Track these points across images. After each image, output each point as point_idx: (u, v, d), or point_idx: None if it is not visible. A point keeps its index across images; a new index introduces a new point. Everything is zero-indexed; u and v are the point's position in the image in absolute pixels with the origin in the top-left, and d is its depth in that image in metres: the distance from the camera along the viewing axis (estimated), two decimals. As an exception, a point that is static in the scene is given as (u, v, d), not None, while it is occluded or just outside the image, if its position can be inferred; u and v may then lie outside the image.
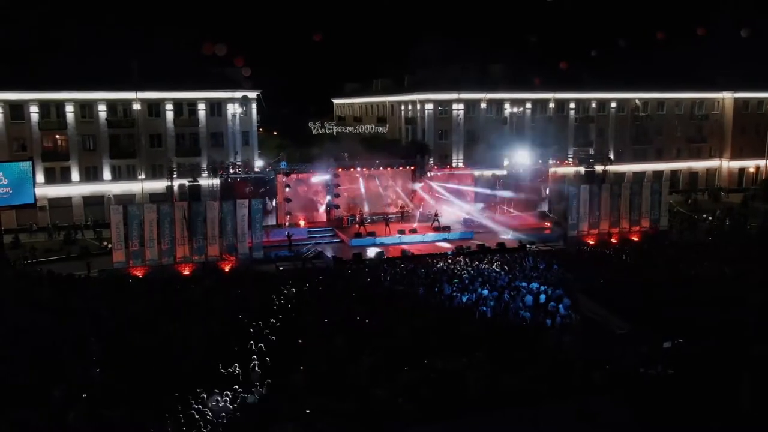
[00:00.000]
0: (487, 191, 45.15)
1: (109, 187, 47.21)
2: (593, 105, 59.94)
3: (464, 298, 25.77)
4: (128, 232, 32.74)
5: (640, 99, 61.31)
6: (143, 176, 47.83)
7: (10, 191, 36.88)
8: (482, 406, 16.09)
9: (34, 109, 45.41)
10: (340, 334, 21.01)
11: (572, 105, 59.17)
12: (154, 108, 48.30)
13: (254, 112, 51.32)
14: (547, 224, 43.33)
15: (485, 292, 26.56)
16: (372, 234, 39.23)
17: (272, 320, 22.43)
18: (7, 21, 46.52)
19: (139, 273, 32.49)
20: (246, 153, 50.39)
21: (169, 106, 48.42)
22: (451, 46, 56.25)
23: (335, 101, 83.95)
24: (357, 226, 40.58)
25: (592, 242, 39.58)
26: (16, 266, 32.93)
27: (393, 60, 67.64)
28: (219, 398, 16.13)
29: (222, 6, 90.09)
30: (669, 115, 62.75)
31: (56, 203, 46.33)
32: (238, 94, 49.43)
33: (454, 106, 55.73)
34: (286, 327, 22.15)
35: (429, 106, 56.15)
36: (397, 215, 43.92)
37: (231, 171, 38.81)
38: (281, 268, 32.59)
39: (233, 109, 48.20)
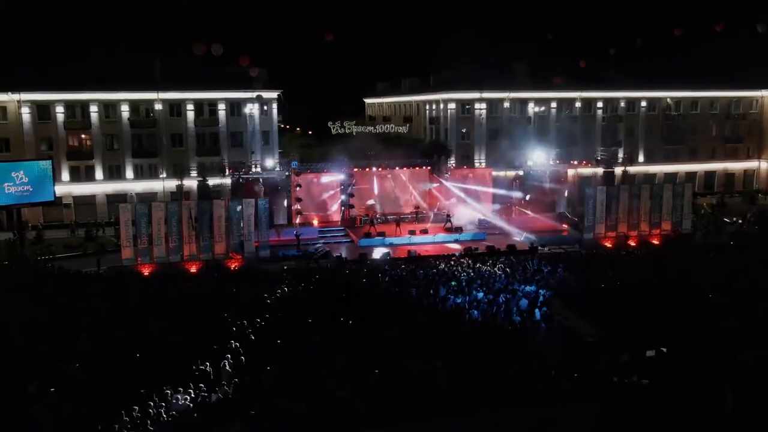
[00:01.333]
0: (502, 192, 44.39)
1: (131, 185, 48.21)
2: (622, 104, 58.31)
3: (458, 300, 25.41)
4: (137, 229, 33.35)
5: (671, 98, 59.34)
6: (165, 175, 48.65)
7: (31, 189, 38.19)
8: (447, 408, 15.84)
9: (60, 109, 46.71)
10: (320, 335, 20.99)
11: (600, 104, 57.67)
12: (176, 108, 49.14)
13: (275, 112, 51.67)
14: (565, 226, 42.31)
15: (480, 294, 26.13)
16: (382, 234, 39.03)
17: (257, 319, 22.53)
18: (33, 23, 48.00)
19: (147, 270, 33.05)
20: (266, 152, 50.80)
21: (190, 106, 49.17)
22: (474, 45, 55.61)
23: (367, 101, 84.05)
24: (368, 226, 40.43)
25: (609, 245, 38.51)
26: (31, 262, 33.84)
27: (421, 59, 67.38)
28: (181, 396, 16.27)
29: (252, 8, 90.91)
30: (703, 114, 60.59)
31: (81, 201, 47.57)
32: (256, 94, 49.85)
33: (477, 105, 54.99)
34: (270, 326, 22.23)
35: (451, 106, 55.57)
36: (412, 216, 43.67)
37: (241, 171, 39.14)
38: (285, 267, 32.70)
39: (248, 109, 48.51)
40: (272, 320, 22.79)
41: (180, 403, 16.06)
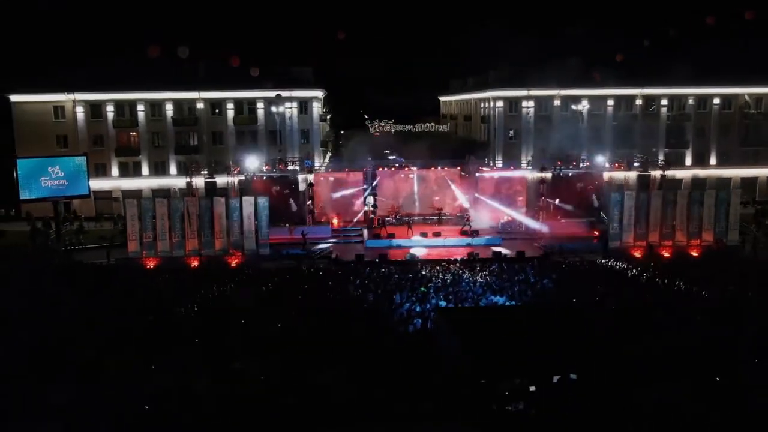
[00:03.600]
0: (531, 194, 42.04)
1: (174, 181, 50.13)
2: (690, 101, 53.33)
3: (417, 309, 24.20)
4: (142, 224, 34.57)
5: (750, 94, 53.58)
6: (206, 171, 50.14)
7: (66, 183, 40.51)
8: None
9: (110, 108, 49.50)
10: (235, 336, 20.65)
11: (664, 101, 53.13)
12: (217, 107, 50.65)
13: (315, 110, 51.90)
14: (596, 233, 39.31)
15: (443, 303, 24.81)
16: (392, 236, 38.15)
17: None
18: (86, 28, 51.15)
19: (151, 263, 34.18)
20: (305, 150, 51.29)
21: (230, 105, 50.49)
22: (524, 39, 53.03)
23: (442, 99, 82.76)
24: (380, 227, 39.74)
25: (638, 255, 35.42)
26: (48, 252, 36.02)
27: (485, 54, 65.26)
28: (59, 388, 16.53)
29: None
30: (790, 112, 54.29)
31: (129, 195, 49.65)
32: (297, 93, 50.36)
33: (524, 103, 52.45)
34: (204, 324, 22.17)
35: (499, 104, 53.43)
36: (435, 217, 42.40)
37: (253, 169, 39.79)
38: (277, 267, 32.65)
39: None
40: (209, 318, 22.75)
41: (56, 394, 16.30)
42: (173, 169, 50.59)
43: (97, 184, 50.02)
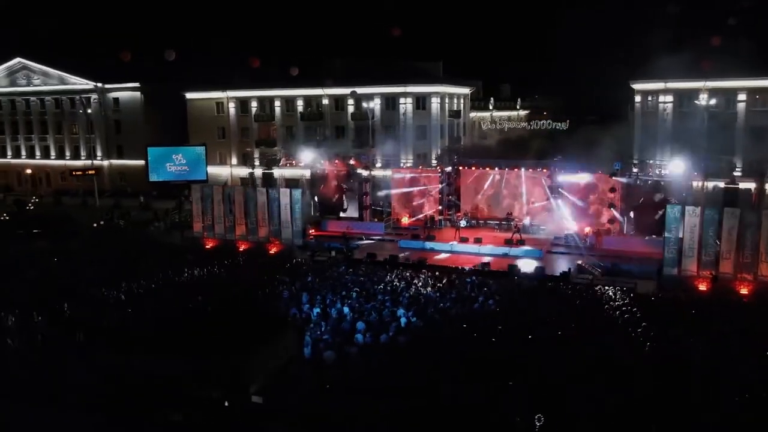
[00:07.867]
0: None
1: (304, 171, 54.34)
2: None
3: (314, 312, 23.90)
4: (203, 208, 38.96)
5: None
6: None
7: (188, 169, 47.16)
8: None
9: (254, 104, 55.64)
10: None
11: None
12: (339, 102, 53.44)
13: (434, 107, 51.46)
14: (670, 255, 32.62)
15: (346, 309, 24.01)
16: (431, 238, 36.79)
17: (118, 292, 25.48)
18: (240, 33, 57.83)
19: (209, 244, 38.42)
20: (421, 147, 51.35)
21: (350, 101, 52.80)
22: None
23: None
24: (426, 229, 38.57)
25: (704, 288, 28.93)
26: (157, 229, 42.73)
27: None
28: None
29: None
30: None
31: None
32: (412, 89, 50.61)
33: (661, 98, 44.96)
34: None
35: (637, 98, 46.76)
36: (503, 222, 39.45)
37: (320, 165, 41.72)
38: (296, 259, 34.25)
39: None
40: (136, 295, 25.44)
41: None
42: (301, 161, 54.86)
43: (243, 171, 56.87)
